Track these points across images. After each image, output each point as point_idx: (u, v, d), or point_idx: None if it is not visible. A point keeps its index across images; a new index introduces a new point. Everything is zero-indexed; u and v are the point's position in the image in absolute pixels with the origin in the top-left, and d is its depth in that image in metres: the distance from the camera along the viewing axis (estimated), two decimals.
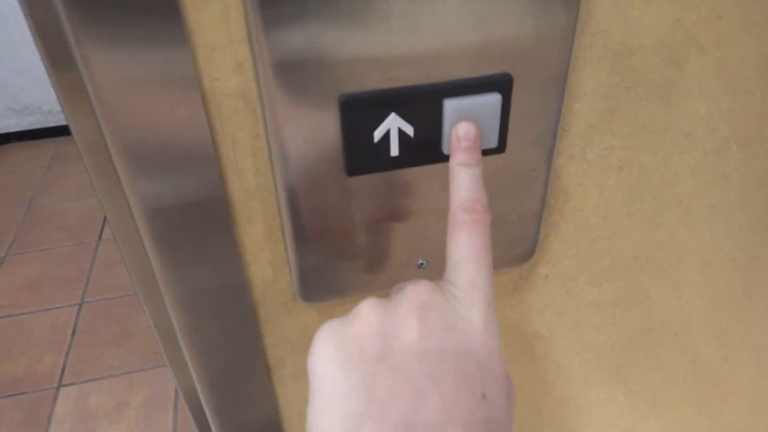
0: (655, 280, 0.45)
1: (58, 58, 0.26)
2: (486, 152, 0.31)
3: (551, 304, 0.44)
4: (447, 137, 0.30)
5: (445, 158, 0.30)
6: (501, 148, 0.31)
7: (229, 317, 0.35)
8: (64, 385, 1.68)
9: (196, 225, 0.31)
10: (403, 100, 0.29)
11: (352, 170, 0.30)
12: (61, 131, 2.94)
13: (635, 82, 0.34)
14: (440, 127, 0.30)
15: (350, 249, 0.34)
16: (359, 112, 0.28)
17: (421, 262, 0.36)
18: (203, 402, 0.39)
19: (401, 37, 0.27)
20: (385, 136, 0.29)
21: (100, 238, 2.27)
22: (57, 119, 2.91)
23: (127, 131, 0.27)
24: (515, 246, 0.38)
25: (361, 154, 0.30)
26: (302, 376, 0.41)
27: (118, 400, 1.62)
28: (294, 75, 0.27)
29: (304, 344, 0.39)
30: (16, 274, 2.10)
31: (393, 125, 0.29)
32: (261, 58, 0.27)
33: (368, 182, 0.32)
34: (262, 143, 0.30)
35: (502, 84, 0.30)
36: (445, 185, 0.29)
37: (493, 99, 0.29)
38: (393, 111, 0.29)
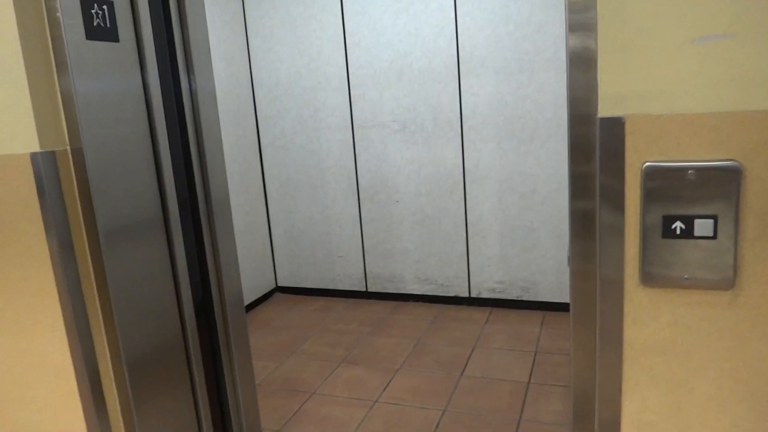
0: None
1: None
2: None
3: None
4: None
5: None
6: None
7: None
8: None
9: None
10: None
11: None
12: (442, 300, 3.99)
13: None
14: None
15: None
16: None
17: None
18: None
19: None
20: None
21: (462, 374, 3.02)
22: (444, 291, 3.97)
23: None
24: None
25: None
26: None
27: None
28: None
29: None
30: (403, 381, 2.97)
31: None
32: None
33: None
34: None
35: None
36: None
37: None
38: None
